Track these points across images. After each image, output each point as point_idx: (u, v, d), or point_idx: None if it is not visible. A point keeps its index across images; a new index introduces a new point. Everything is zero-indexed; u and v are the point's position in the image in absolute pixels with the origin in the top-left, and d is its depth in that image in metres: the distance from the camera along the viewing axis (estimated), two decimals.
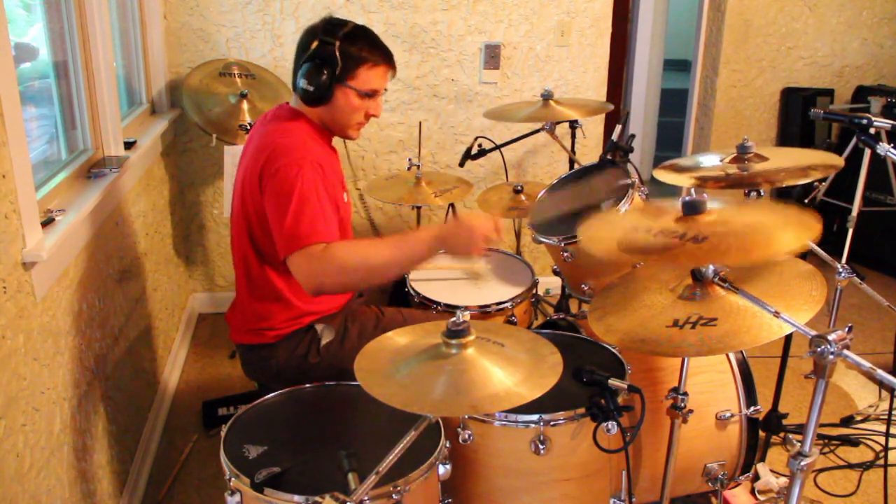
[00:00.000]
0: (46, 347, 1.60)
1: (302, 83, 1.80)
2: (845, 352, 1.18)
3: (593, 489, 1.63)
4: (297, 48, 1.86)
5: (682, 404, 1.69)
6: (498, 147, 2.80)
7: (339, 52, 1.78)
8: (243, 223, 1.87)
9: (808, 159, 1.78)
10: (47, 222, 1.68)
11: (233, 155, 2.80)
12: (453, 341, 1.31)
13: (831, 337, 1.17)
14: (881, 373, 1.21)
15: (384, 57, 1.86)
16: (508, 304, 2.16)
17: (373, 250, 1.74)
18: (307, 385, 1.68)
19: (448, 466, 1.43)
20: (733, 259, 1.35)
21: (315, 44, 1.79)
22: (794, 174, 1.71)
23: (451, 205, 2.77)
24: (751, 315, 1.32)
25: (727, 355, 1.97)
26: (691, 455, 1.90)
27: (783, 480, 2.26)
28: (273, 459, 1.40)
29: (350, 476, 1.28)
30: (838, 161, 1.71)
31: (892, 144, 1.87)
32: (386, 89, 1.92)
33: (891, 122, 1.90)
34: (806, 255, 1.97)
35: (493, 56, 3.35)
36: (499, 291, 2.22)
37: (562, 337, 1.92)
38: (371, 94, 1.86)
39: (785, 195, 3.95)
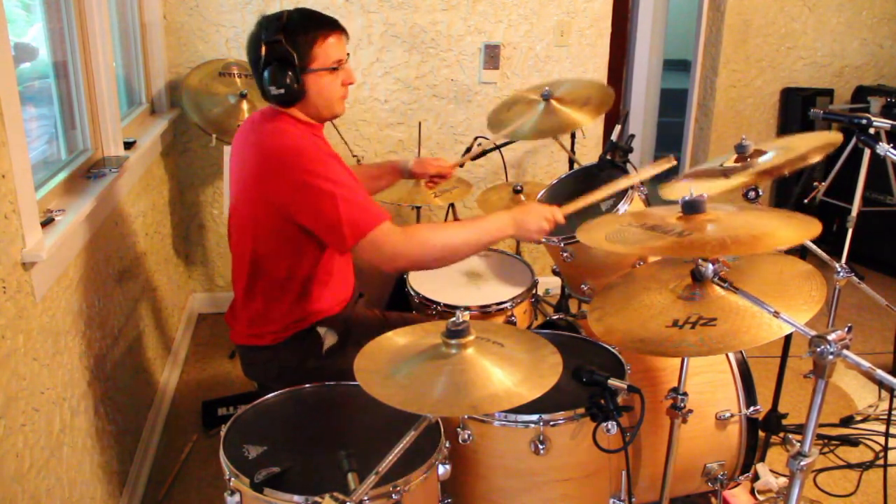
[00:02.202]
0: (46, 347, 1.60)
1: (272, 90, 1.78)
2: (845, 352, 1.18)
3: (593, 489, 1.63)
4: (249, 60, 1.83)
5: (682, 404, 1.69)
6: (498, 147, 2.80)
7: (289, 44, 1.76)
8: (244, 226, 1.86)
9: (808, 143, 1.75)
10: (47, 222, 1.68)
11: None
12: (453, 341, 1.31)
13: (831, 337, 1.17)
14: (881, 373, 1.21)
15: (330, 25, 1.83)
16: (508, 305, 2.16)
17: (453, 231, 1.84)
18: (307, 385, 1.68)
19: (448, 466, 1.43)
20: (722, 252, 1.35)
21: (263, 48, 1.77)
22: (793, 162, 1.70)
23: (451, 205, 2.78)
24: (750, 315, 1.33)
25: (727, 355, 1.98)
26: (691, 455, 1.91)
27: (783, 480, 2.26)
28: (273, 459, 1.40)
29: (350, 476, 1.28)
30: (837, 137, 1.69)
31: (891, 144, 1.87)
32: (348, 54, 1.88)
33: (890, 122, 1.90)
34: (805, 255, 1.97)
35: (492, 56, 3.35)
36: (499, 291, 2.22)
37: (561, 337, 1.92)
38: (338, 66, 1.84)
39: (785, 195, 3.96)
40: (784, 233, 1.33)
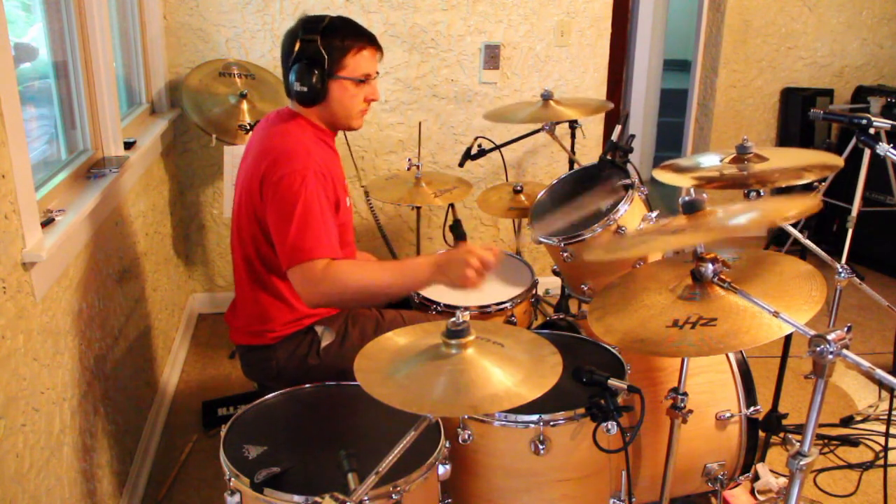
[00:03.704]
0: (46, 347, 1.60)
1: (295, 86, 1.81)
2: (844, 351, 1.18)
3: (593, 489, 1.63)
4: (282, 54, 1.87)
5: (682, 404, 1.69)
6: (498, 147, 2.80)
7: (323, 47, 1.79)
8: (245, 226, 1.86)
9: (808, 159, 1.78)
10: (47, 222, 1.68)
11: (233, 155, 2.80)
12: (453, 341, 1.31)
13: (830, 337, 1.17)
14: (881, 373, 1.21)
15: (367, 40, 1.87)
16: (508, 305, 2.16)
17: (373, 274, 1.77)
18: (307, 385, 1.68)
19: (448, 466, 1.43)
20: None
21: (297, 45, 1.80)
22: (789, 175, 1.71)
23: (451, 205, 2.77)
24: (751, 315, 1.33)
25: (727, 355, 1.98)
26: (691, 455, 1.91)
27: (783, 480, 2.26)
28: (273, 459, 1.40)
29: (350, 476, 1.27)
30: (838, 161, 1.71)
31: (891, 144, 1.87)
32: (378, 73, 1.93)
33: (890, 122, 1.90)
34: (806, 255, 1.97)
35: (492, 56, 3.35)
36: (499, 291, 2.22)
37: (561, 337, 1.92)
38: (365, 80, 1.88)
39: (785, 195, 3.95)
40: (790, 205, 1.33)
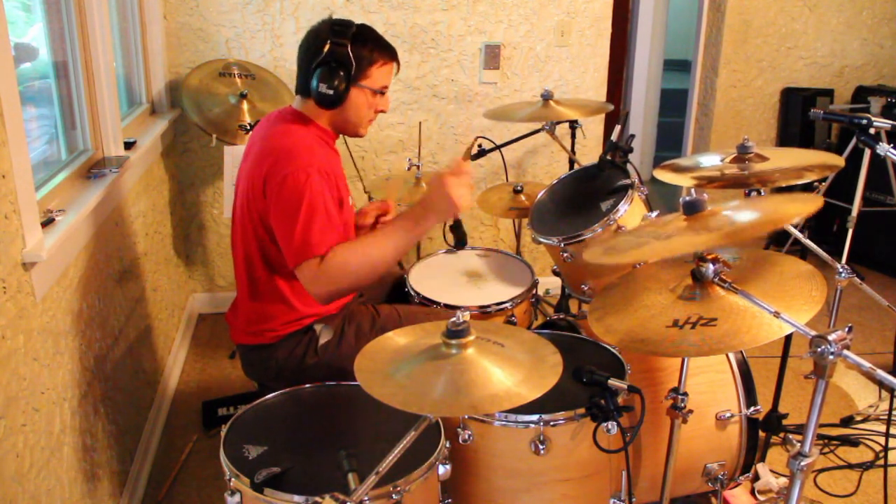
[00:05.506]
0: (46, 348, 1.60)
1: (321, 87, 1.79)
2: (845, 352, 1.18)
3: (593, 489, 1.63)
4: (305, 52, 1.85)
5: (682, 404, 1.69)
6: (498, 147, 2.80)
7: (353, 53, 1.80)
8: (247, 226, 1.86)
9: (808, 159, 1.78)
10: (47, 222, 1.68)
11: (233, 155, 2.80)
12: (453, 341, 1.31)
13: (831, 337, 1.17)
14: (881, 373, 1.21)
15: (391, 54, 1.90)
16: (508, 305, 2.16)
17: (370, 245, 1.78)
18: (307, 385, 1.68)
19: (448, 466, 1.43)
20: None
21: (327, 46, 1.80)
22: (789, 174, 1.71)
23: None
24: (751, 315, 1.32)
25: (727, 355, 1.98)
26: (691, 455, 1.91)
27: (783, 480, 2.26)
28: (273, 459, 1.40)
29: (350, 476, 1.28)
30: (838, 161, 1.71)
31: (891, 144, 1.87)
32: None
33: (890, 122, 1.90)
34: (806, 256, 1.97)
35: (493, 56, 3.35)
36: (499, 291, 2.22)
37: (562, 337, 1.92)
38: (382, 92, 1.90)
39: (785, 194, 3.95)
40: (792, 208, 1.32)
